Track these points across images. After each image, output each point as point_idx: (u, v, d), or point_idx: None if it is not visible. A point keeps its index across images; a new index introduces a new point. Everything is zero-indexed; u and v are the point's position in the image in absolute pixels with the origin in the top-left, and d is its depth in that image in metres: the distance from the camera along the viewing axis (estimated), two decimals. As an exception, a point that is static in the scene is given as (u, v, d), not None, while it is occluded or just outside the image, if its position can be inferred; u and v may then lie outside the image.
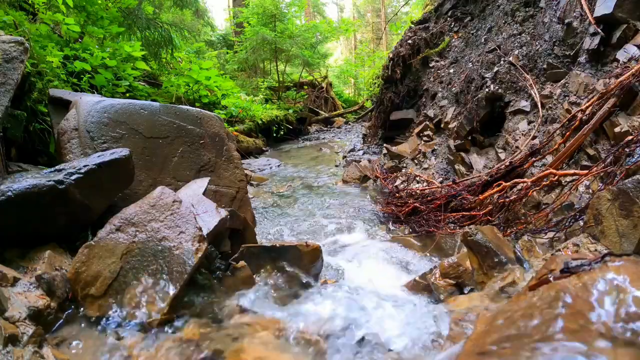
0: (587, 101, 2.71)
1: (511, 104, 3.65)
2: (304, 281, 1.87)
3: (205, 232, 1.69)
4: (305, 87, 14.46)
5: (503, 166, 3.05)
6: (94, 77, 4.25)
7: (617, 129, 2.39)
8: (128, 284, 1.49)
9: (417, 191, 3.55)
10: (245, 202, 2.69)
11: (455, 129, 4.24)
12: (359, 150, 6.83)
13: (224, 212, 1.92)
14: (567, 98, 3.03)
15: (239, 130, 8.14)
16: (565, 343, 0.79)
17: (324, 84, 15.12)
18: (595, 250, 1.61)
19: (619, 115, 2.45)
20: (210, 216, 1.87)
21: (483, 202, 2.91)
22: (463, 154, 3.93)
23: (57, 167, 1.72)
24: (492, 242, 1.70)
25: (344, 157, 6.65)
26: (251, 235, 2.21)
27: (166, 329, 1.38)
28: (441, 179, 4.03)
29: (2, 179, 1.58)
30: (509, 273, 1.59)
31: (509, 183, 2.73)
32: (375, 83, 7.41)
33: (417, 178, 4.06)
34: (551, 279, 1.05)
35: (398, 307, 1.62)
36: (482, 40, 4.63)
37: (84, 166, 1.68)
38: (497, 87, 3.80)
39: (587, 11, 2.99)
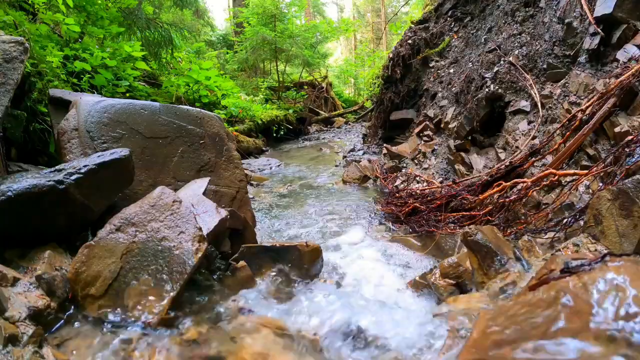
0: (587, 101, 2.71)
1: (511, 104, 3.65)
2: (303, 281, 1.87)
3: (205, 232, 1.69)
4: (305, 87, 14.46)
5: (503, 166, 3.05)
6: (94, 77, 4.25)
7: (617, 129, 2.39)
8: (128, 284, 1.49)
9: (417, 191, 3.55)
10: (245, 202, 2.69)
11: (455, 129, 4.24)
12: (359, 150, 6.84)
13: (224, 212, 1.92)
14: (567, 98, 3.03)
15: (239, 130, 8.14)
16: (566, 343, 0.79)
17: (324, 84, 15.12)
18: (595, 250, 1.61)
19: (619, 115, 2.45)
20: (210, 216, 1.87)
21: (483, 202, 2.91)
22: (463, 154, 3.93)
23: (57, 167, 1.72)
24: (492, 242, 1.70)
25: (344, 157, 6.65)
26: (251, 235, 2.21)
27: (166, 329, 1.38)
28: (441, 179, 4.03)
29: (2, 179, 1.58)
30: (509, 273, 1.59)
31: (509, 183, 2.73)
32: (375, 83, 7.41)
33: (417, 178, 4.06)
34: (551, 279, 1.05)
35: (398, 307, 1.62)
36: (482, 40, 4.63)
37: (84, 166, 1.68)
38: (497, 87, 3.80)
39: (587, 11, 2.99)
